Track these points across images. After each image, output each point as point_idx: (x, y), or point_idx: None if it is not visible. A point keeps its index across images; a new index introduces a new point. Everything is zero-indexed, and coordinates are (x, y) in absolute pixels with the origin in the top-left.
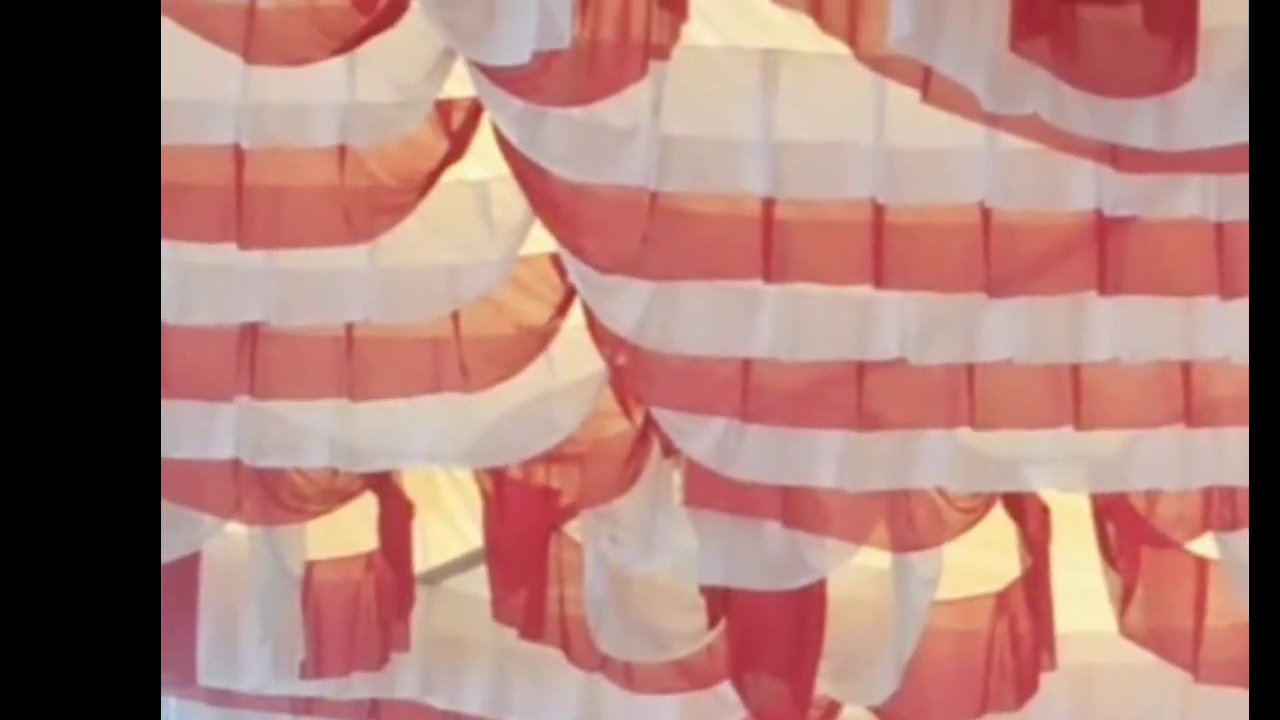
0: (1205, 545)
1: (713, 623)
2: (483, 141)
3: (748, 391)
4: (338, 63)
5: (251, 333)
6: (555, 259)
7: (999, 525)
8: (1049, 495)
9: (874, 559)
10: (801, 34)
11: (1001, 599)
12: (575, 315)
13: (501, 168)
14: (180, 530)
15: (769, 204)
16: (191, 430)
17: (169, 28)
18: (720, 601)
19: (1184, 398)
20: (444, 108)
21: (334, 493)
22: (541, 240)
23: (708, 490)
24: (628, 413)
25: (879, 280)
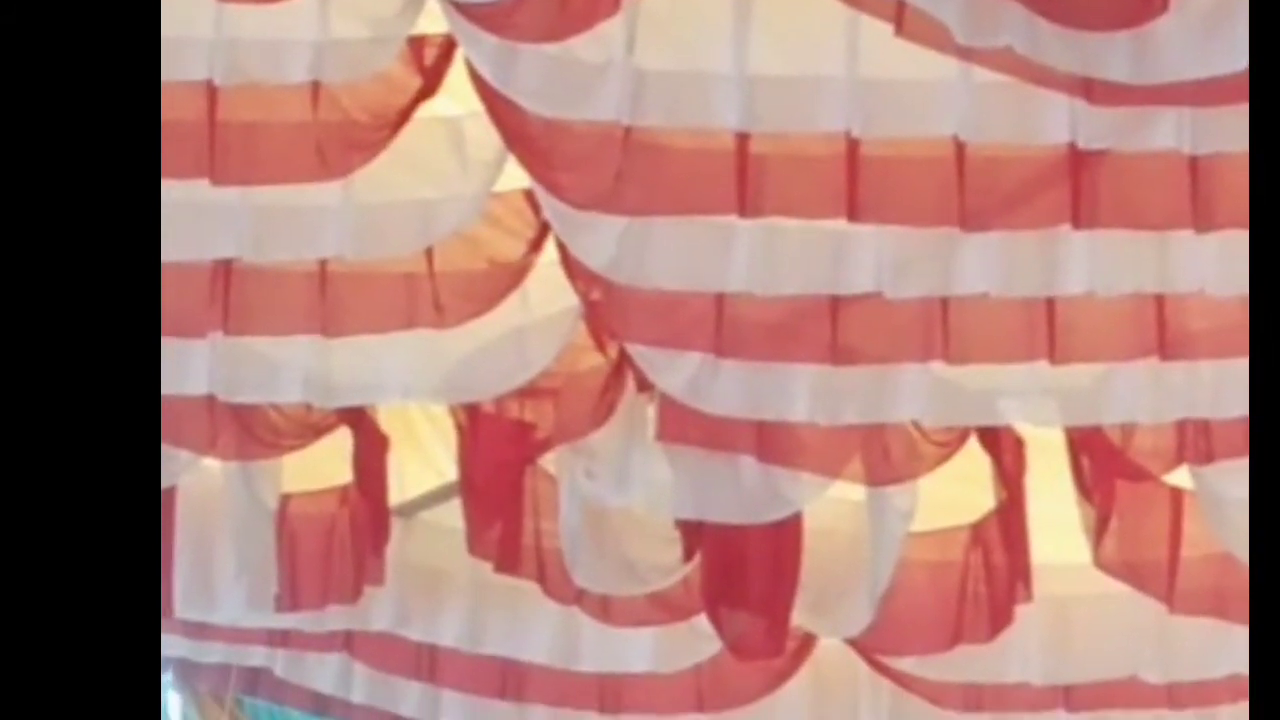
0: (1180, 477)
1: (688, 556)
2: (456, 78)
3: (722, 326)
4: None
5: (225, 269)
6: (529, 194)
7: (974, 458)
8: (1024, 428)
9: (849, 492)
10: None
11: (976, 531)
12: (549, 251)
13: (475, 104)
14: None
15: (743, 138)
16: (166, 367)
17: None
18: (696, 534)
19: (1158, 331)
20: (417, 44)
21: (309, 428)
22: (515, 176)
23: (682, 425)
24: (602, 347)
25: (853, 214)
